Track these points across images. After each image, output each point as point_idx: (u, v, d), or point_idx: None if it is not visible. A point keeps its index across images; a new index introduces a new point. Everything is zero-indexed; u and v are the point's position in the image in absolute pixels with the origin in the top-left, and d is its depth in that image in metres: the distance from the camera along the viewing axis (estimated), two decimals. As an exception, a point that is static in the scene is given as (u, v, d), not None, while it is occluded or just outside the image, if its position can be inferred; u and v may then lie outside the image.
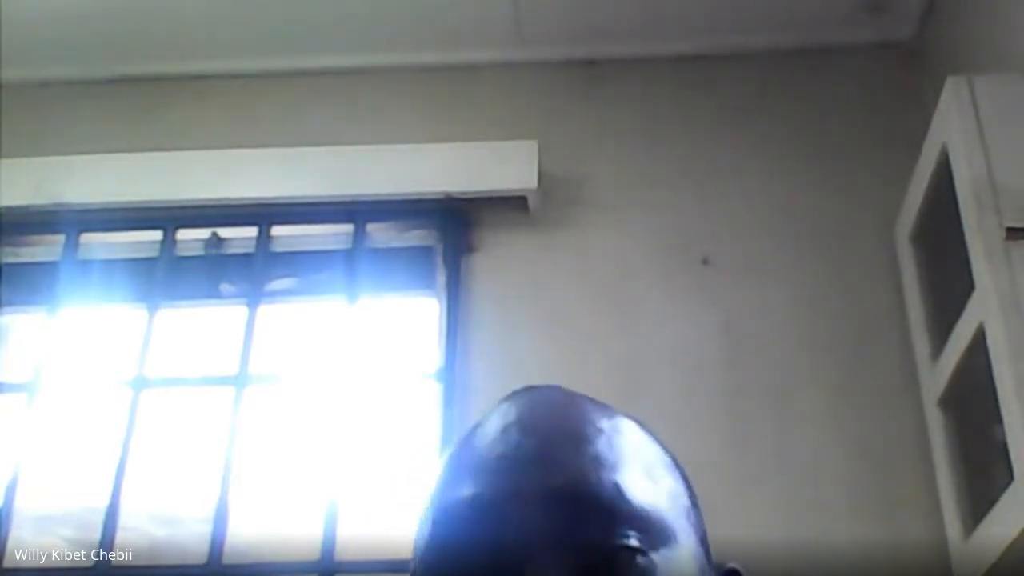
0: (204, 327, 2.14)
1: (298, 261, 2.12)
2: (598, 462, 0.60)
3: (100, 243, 2.12)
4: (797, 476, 1.82)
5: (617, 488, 0.59)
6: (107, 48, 2.25)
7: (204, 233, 2.13)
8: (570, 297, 2.01)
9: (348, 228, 2.09)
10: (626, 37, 2.24)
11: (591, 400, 0.67)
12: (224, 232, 2.13)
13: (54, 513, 1.98)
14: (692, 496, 0.67)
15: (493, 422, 0.64)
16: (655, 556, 0.59)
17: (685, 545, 0.61)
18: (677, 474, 0.66)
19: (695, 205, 2.09)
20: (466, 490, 0.60)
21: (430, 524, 0.62)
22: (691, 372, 1.92)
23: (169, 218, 2.11)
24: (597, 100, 2.23)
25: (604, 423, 0.64)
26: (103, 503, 1.85)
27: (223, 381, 1.97)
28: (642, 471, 0.62)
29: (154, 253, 2.09)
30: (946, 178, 1.67)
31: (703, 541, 0.65)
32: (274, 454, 2.01)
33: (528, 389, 0.67)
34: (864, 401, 1.88)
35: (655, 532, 0.59)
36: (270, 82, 2.29)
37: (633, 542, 0.58)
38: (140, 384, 1.96)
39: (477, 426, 0.66)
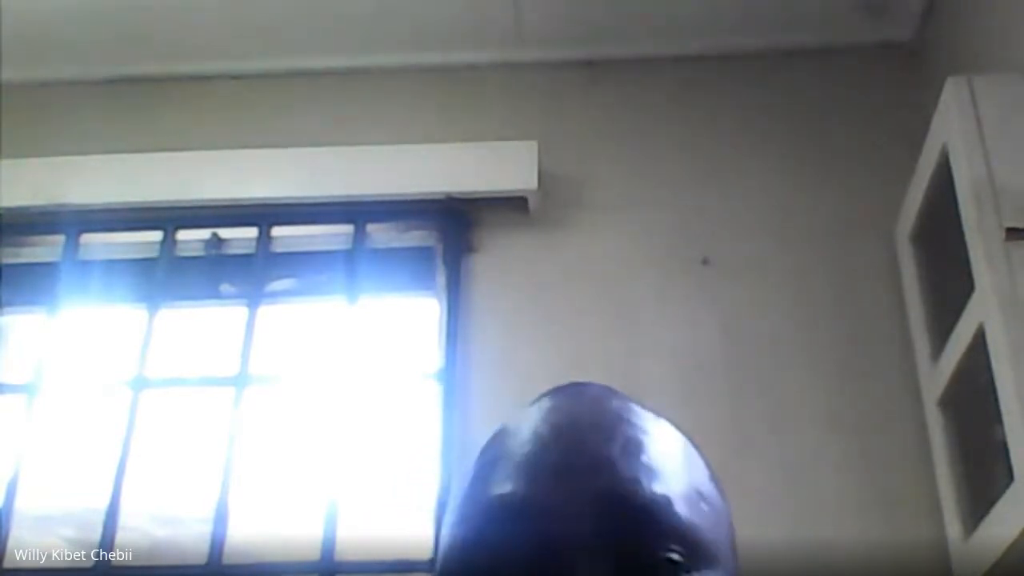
0: (204, 327, 2.14)
1: (298, 261, 2.12)
2: (650, 471, 0.58)
3: (100, 243, 2.12)
4: (797, 476, 1.82)
5: (668, 500, 0.58)
6: (107, 48, 2.25)
7: (204, 233, 2.12)
8: (570, 297, 2.01)
9: (348, 228, 2.09)
10: (626, 37, 2.24)
11: (638, 404, 0.65)
12: (224, 232, 2.13)
13: (54, 513, 1.98)
14: (729, 516, 0.65)
15: (535, 418, 0.62)
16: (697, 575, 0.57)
17: (724, 570, 0.60)
18: (718, 491, 0.65)
19: (695, 205, 2.09)
20: (506, 487, 0.58)
21: (464, 521, 0.60)
22: (691, 372, 1.92)
23: (169, 218, 2.11)
24: (597, 100, 2.23)
25: (655, 431, 0.62)
26: (103, 503, 1.85)
27: (223, 381, 1.97)
28: (692, 487, 0.61)
29: (154, 253, 2.09)
30: (946, 178, 1.67)
31: (738, 568, 0.64)
32: (274, 454, 2.02)
33: (574, 385, 0.65)
34: (864, 401, 1.88)
35: (699, 551, 0.58)
36: (270, 82, 2.29)
37: (677, 557, 0.56)
38: (140, 384, 1.96)
39: (516, 422, 0.63)
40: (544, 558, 0.55)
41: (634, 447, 0.60)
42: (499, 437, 0.63)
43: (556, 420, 0.61)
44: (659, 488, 0.58)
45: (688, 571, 0.57)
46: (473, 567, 0.58)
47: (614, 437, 0.60)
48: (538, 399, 0.65)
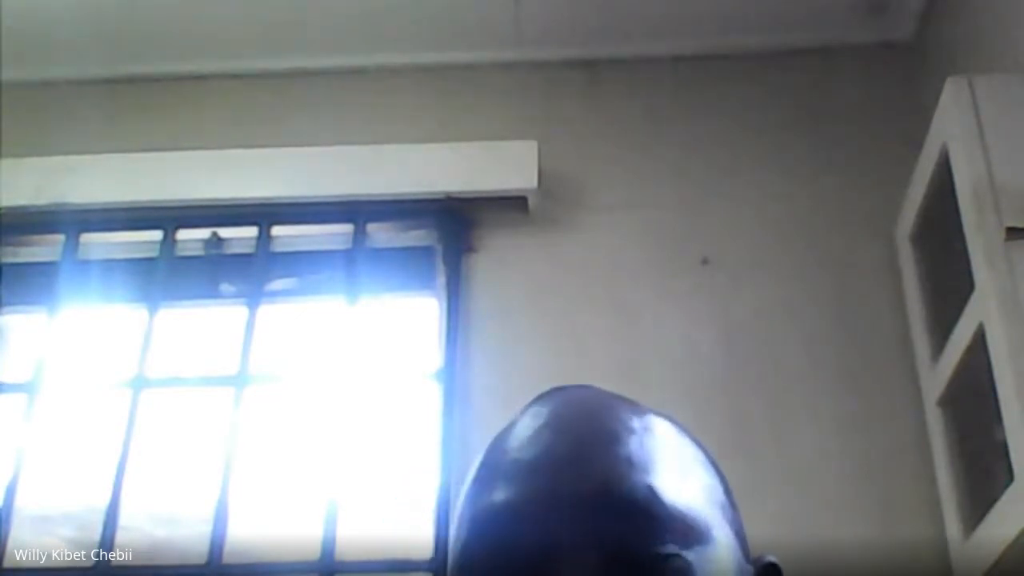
0: (204, 327, 2.14)
1: (298, 261, 2.12)
2: (631, 463, 0.60)
3: (100, 243, 2.12)
4: (797, 476, 1.82)
5: (651, 490, 0.59)
6: (107, 48, 2.25)
7: (204, 233, 2.12)
8: (570, 297, 2.01)
9: (348, 228, 2.09)
10: (626, 37, 2.24)
11: (622, 399, 0.67)
12: (224, 232, 2.13)
13: (54, 513, 1.98)
14: (727, 491, 0.67)
15: (525, 423, 0.64)
16: (691, 556, 0.58)
17: (721, 542, 0.61)
18: (712, 469, 0.66)
19: (695, 205, 2.09)
20: (499, 493, 0.60)
21: (465, 527, 0.62)
22: (691, 372, 1.92)
23: (169, 218, 2.11)
24: (597, 100, 2.23)
25: (636, 422, 0.64)
26: (103, 503, 1.85)
27: (223, 381, 1.97)
28: (675, 470, 0.62)
29: (154, 253, 2.09)
30: (946, 178, 1.67)
31: (739, 535, 0.65)
32: (274, 454, 2.01)
33: (559, 389, 0.67)
34: (864, 401, 1.88)
35: (691, 532, 0.59)
36: (270, 82, 2.29)
37: (669, 547, 0.58)
38: (140, 384, 1.96)
39: (509, 427, 0.65)
40: (536, 562, 0.57)
41: (615, 442, 0.61)
42: (493, 443, 0.65)
43: (539, 424, 0.63)
44: (641, 479, 0.59)
45: (681, 556, 0.58)
46: (471, 571, 0.60)
47: (595, 435, 0.61)
48: (526, 405, 0.67)
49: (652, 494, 0.59)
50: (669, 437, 0.65)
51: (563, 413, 0.63)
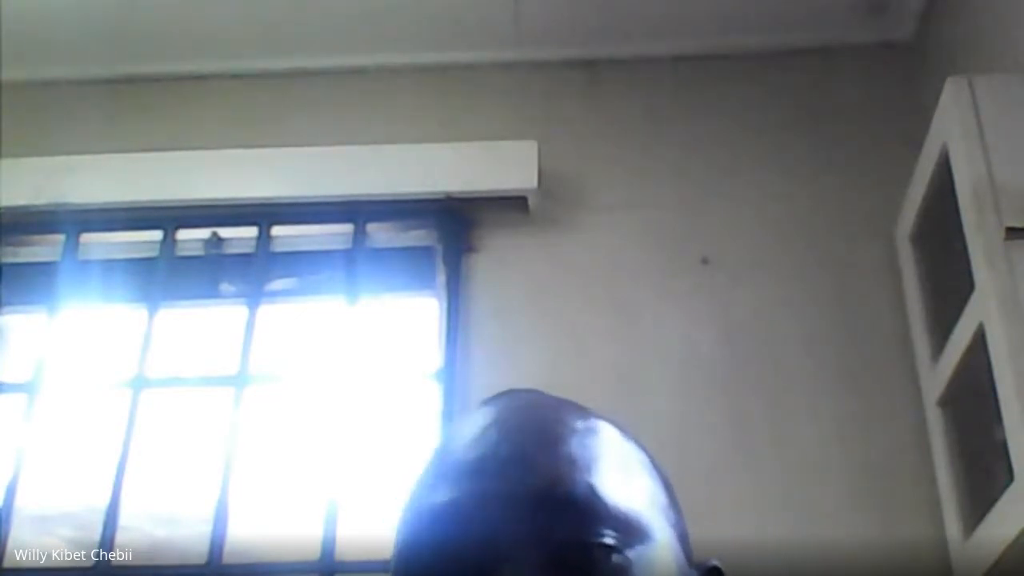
0: (204, 327, 2.14)
1: (298, 261, 2.12)
2: (572, 463, 0.61)
3: (100, 243, 2.12)
4: (797, 476, 1.82)
5: (591, 488, 0.60)
6: (107, 48, 2.25)
7: (204, 233, 2.12)
8: (570, 297, 2.01)
9: (348, 228, 2.09)
10: (626, 37, 2.24)
11: (568, 402, 0.68)
12: (224, 232, 2.13)
13: (54, 513, 1.98)
14: (670, 495, 0.67)
15: (470, 426, 0.65)
16: (630, 553, 0.59)
17: (662, 542, 0.62)
18: (655, 473, 0.67)
19: (695, 205, 2.09)
20: (443, 494, 0.61)
21: (407, 526, 0.63)
22: (691, 372, 1.92)
23: (169, 218, 2.11)
24: (597, 100, 2.23)
25: (579, 424, 0.65)
26: (103, 503, 1.85)
27: (223, 381, 1.97)
28: (616, 470, 0.63)
29: (154, 253, 2.09)
30: (946, 178, 1.67)
31: (682, 539, 0.66)
32: (274, 454, 2.01)
33: (506, 393, 0.69)
34: (864, 401, 1.88)
35: (630, 530, 0.60)
36: (270, 82, 2.29)
37: (608, 540, 0.59)
38: (140, 384, 1.96)
39: (455, 430, 0.67)
40: (479, 559, 0.58)
41: (557, 443, 0.62)
42: (439, 445, 0.67)
43: (483, 425, 0.64)
44: (582, 477, 0.60)
45: (620, 551, 0.59)
46: (415, 571, 0.61)
47: (538, 436, 0.62)
48: (476, 407, 0.68)
49: (593, 492, 0.60)
50: (612, 440, 0.65)
51: (508, 416, 0.64)
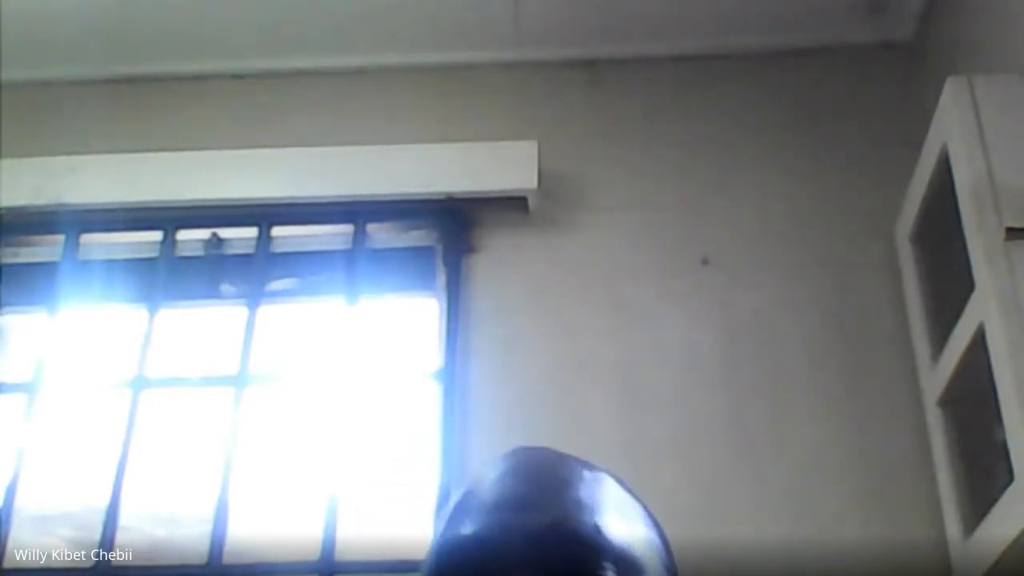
0: (204, 327, 2.14)
1: (298, 261, 2.12)
2: (579, 505, 0.69)
3: (100, 243, 2.12)
4: (797, 476, 1.82)
5: (595, 527, 0.68)
6: (107, 48, 2.25)
7: (204, 233, 2.13)
8: (570, 297, 2.01)
9: (348, 228, 2.09)
10: (626, 37, 2.24)
11: (575, 457, 0.77)
12: (224, 232, 2.13)
13: (54, 513, 1.98)
14: (665, 542, 0.74)
15: (492, 473, 0.74)
16: None
17: None
18: (651, 523, 0.74)
19: (695, 205, 2.09)
20: (467, 528, 0.69)
21: (436, 556, 0.70)
22: (691, 372, 1.92)
23: (169, 218, 2.11)
24: (597, 100, 2.23)
25: (585, 474, 0.74)
26: (103, 503, 1.85)
27: (223, 381, 1.97)
28: (617, 514, 0.71)
29: (154, 253, 2.09)
30: (946, 178, 1.67)
31: None
32: (274, 454, 2.01)
33: (522, 448, 0.78)
34: (864, 401, 1.88)
35: (629, 566, 0.67)
36: (270, 82, 2.29)
37: (609, 573, 0.66)
38: (140, 384, 1.96)
39: (479, 476, 0.75)
40: None
41: (567, 488, 0.71)
42: (465, 489, 0.75)
43: (502, 473, 0.73)
44: (588, 518, 0.68)
45: None
46: None
47: (550, 482, 0.71)
48: (496, 459, 0.77)
49: (597, 531, 0.68)
50: (614, 490, 0.74)
51: (523, 465, 0.74)
